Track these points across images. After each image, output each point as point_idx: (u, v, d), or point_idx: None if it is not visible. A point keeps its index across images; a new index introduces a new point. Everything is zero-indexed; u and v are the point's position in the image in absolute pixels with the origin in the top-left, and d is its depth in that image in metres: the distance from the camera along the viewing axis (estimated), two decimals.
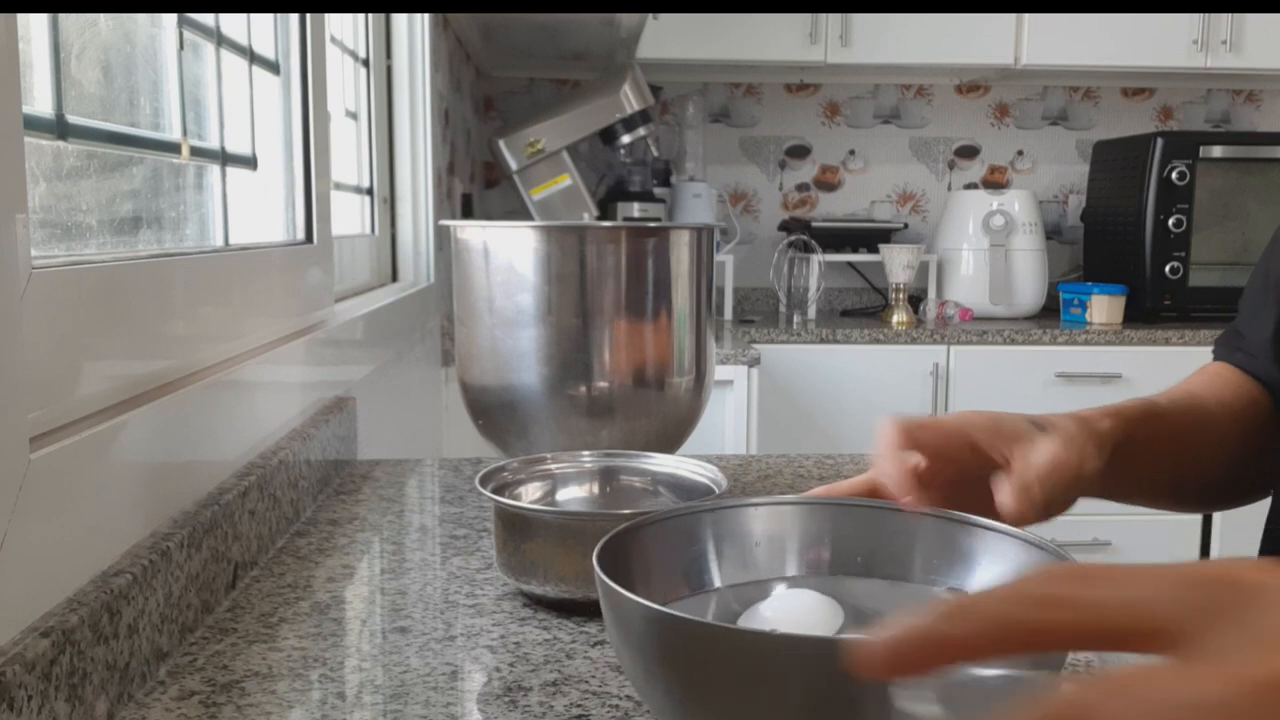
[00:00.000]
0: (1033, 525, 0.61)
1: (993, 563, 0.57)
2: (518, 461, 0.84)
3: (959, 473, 0.63)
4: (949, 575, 0.59)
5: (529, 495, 0.83)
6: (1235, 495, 0.82)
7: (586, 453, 0.87)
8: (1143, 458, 0.69)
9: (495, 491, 0.76)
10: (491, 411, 1.01)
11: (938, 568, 0.59)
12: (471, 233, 0.99)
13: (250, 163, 1.09)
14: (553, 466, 0.85)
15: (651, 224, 0.98)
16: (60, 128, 0.68)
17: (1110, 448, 0.65)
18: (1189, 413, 0.76)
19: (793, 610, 0.57)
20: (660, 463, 0.85)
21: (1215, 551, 2.75)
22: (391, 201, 2.02)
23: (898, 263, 2.86)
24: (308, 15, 1.17)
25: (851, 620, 0.57)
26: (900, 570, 0.60)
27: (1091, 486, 0.64)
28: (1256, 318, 0.84)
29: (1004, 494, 0.60)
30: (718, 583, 0.61)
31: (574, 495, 0.85)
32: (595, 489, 0.86)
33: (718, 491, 0.79)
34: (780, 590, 0.60)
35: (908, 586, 0.60)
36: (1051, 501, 0.60)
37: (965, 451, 0.62)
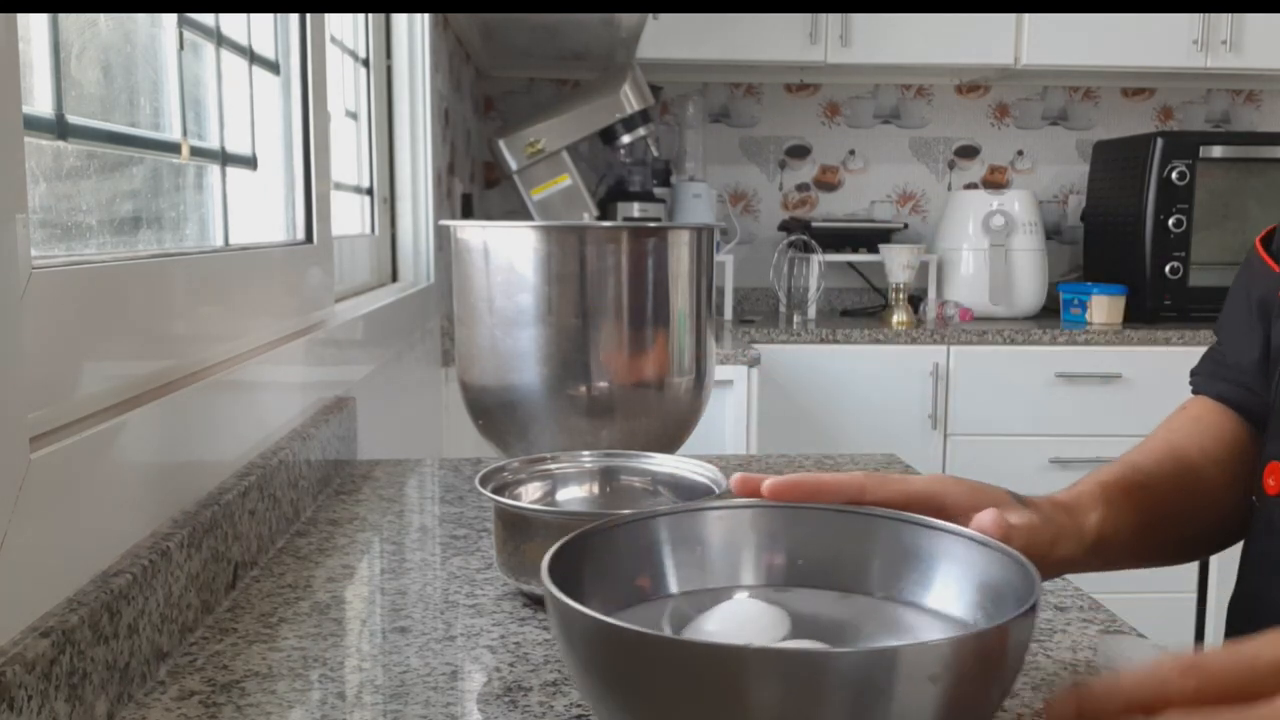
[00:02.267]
0: None
1: (951, 565, 0.57)
2: (518, 461, 0.84)
3: None
4: (908, 580, 0.58)
5: (529, 495, 0.83)
6: (1223, 541, 0.81)
7: (586, 453, 0.87)
8: (1128, 535, 0.68)
9: (495, 491, 0.76)
10: (491, 411, 1.01)
11: (897, 572, 0.59)
12: (471, 233, 0.99)
13: (250, 163, 1.09)
14: (553, 466, 0.85)
15: (651, 224, 0.98)
16: (60, 128, 0.68)
17: (1092, 539, 0.65)
18: (1176, 477, 0.75)
19: (736, 620, 0.56)
20: (660, 463, 0.85)
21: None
22: (391, 201, 2.02)
23: (898, 263, 2.86)
24: (308, 15, 1.17)
25: (797, 630, 0.56)
26: (859, 575, 0.59)
27: (1057, 568, 0.64)
28: (1240, 341, 0.83)
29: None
30: (674, 589, 0.60)
31: (574, 495, 0.86)
32: (595, 489, 0.86)
33: (718, 491, 0.79)
34: (726, 600, 0.59)
35: (860, 599, 0.59)
36: None
37: (931, 513, 0.60)
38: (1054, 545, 0.62)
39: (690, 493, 0.81)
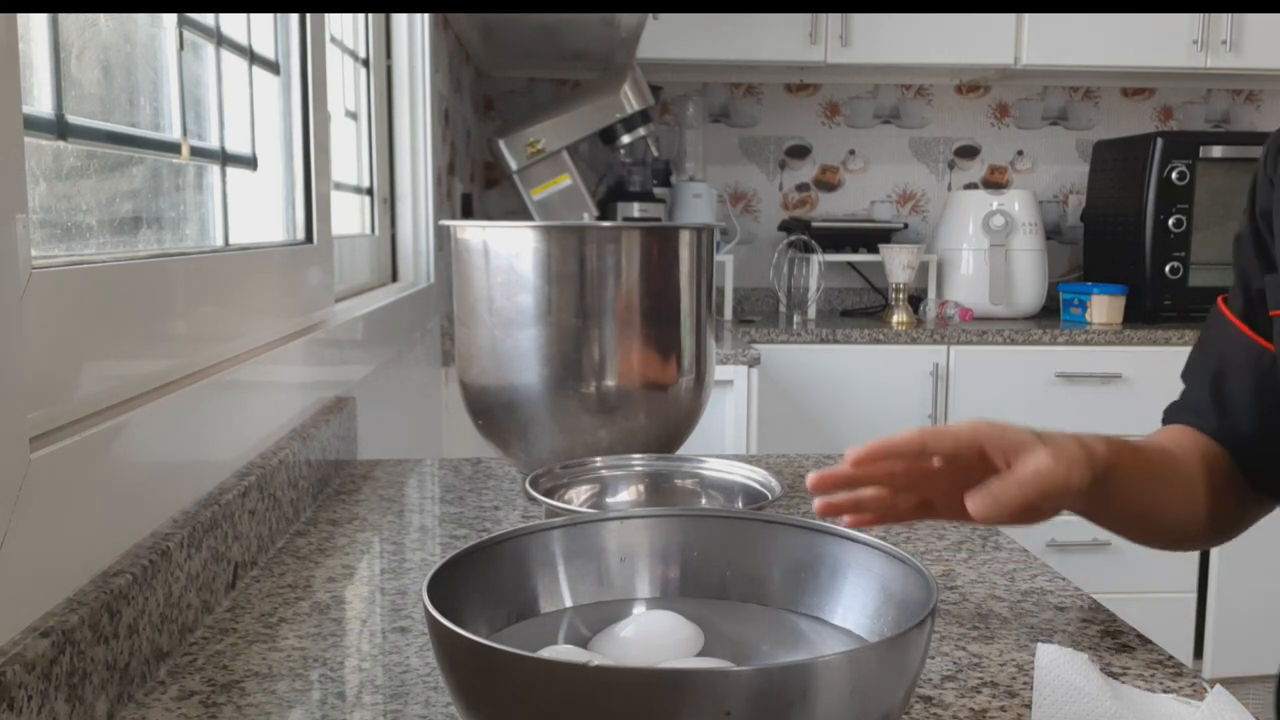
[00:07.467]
0: (1018, 526, 0.67)
1: (859, 576, 0.57)
2: (565, 464, 0.86)
3: (965, 477, 0.67)
4: (813, 588, 0.58)
5: (578, 498, 0.85)
6: (1197, 537, 0.86)
7: (637, 456, 0.88)
8: (1124, 486, 0.74)
9: (546, 494, 0.78)
10: (491, 411, 1.01)
11: (802, 581, 0.58)
12: (471, 233, 0.99)
13: (250, 163, 1.09)
14: (602, 470, 0.87)
15: (651, 224, 0.98)
16: (60, 128, 0.68)
17: (1102, 469, 0.69)
18: (1162, 454, 0.82)
19: (651, 632, 0.55)
20: (712, 466, 0.86)
21: (1214, 551, 2.74)
22: (391, 201, 2.02)
23: (898, 263, 2.86)
24: (308, 15, 1.17)
25: (712, 643, 0.55)
26: (762, 585, 0.59)
27: (1077, 501, 0.69)
28: (1195, 381, 0.92)
29: (975, 494, 0.65)
30: (568, 603, 0.59)
31: (622, 498, 0.87)
32: (643, 491, 0.88)
33: (771, 497, 0.79)
34: (639, 611, 0.58)
35: (768, 611, 0.58)
36: (1032, 507, 0.65)
37: (975, 457, 0.67)
38: (1069, 478, 0.66)
39: (742, 497, 0.82)
